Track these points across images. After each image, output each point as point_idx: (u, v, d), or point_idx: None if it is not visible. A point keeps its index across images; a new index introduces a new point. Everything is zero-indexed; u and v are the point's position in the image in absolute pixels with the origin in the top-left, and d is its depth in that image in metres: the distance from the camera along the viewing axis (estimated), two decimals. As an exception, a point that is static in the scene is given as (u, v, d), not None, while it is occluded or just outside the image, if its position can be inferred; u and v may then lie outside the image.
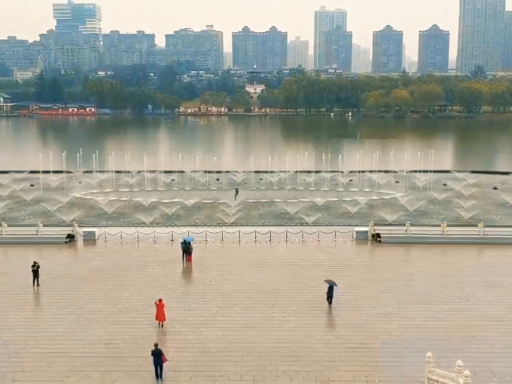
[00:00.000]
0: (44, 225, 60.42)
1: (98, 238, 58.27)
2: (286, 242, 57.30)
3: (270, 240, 57.65)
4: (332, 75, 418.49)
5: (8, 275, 47.08)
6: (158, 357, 30.32)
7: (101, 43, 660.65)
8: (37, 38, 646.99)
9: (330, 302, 40.53)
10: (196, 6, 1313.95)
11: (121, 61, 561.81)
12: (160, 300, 37.09)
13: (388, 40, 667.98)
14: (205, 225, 63.75)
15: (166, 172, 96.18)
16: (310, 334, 35.68)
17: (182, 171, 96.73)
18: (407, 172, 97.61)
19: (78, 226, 59.83)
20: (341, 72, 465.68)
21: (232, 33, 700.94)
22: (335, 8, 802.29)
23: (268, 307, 40.17)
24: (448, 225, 59.57)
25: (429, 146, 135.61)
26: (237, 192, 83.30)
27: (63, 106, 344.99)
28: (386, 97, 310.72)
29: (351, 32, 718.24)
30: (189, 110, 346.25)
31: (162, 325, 36.89)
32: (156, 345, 30.91)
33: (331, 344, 34.39)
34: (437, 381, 27.81)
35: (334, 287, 40.58)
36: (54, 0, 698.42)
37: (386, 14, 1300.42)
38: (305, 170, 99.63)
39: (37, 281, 44.59)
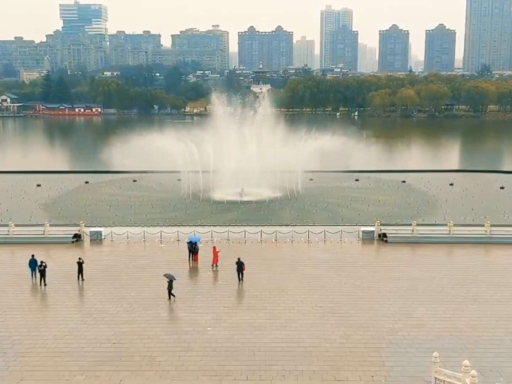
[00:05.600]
0: (51, 225, 60.63)
1: (104, 238, 58.43)
2: (292, 242, 57.28)
3: (276, 240, 57.66)
4: (338, 75, 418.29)
5: (15, 275, 47.27)
6: (240, 266, 44.68)
7: (107, 43, 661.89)
8: (44, 39, 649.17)
9: (172, 295, 41.37)
10: (201, 6, 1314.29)
11: (127, 61, 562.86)
12: (214, 248, 49.17)
13: (394, 40, 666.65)
14: (211, 225, 63.80)
15: None
16: (316, 334, 35.67)
17: None
18: None
19: (85, 226, 60.00)
20: (347, 71, 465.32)
21: (238, 33, 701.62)
22: (341, 7, 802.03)
23: (274, 306, 40.18)
24: (454, 225, 59.39)
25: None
26: (242, 191, 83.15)
27: (70, 106, 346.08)
28: (392, 97, 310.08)
29: (357, 31, 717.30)
30: (195, 110, 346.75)
31: (216, 265, 48.50)
32: (239, 258, 45.13)
33: (337, 344, 34.37)
34: (444, 381, 27.77)
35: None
36: (60, 0, 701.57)
37: (392, 13, 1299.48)
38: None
39: (44, 281, 44.75)
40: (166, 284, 41.58)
